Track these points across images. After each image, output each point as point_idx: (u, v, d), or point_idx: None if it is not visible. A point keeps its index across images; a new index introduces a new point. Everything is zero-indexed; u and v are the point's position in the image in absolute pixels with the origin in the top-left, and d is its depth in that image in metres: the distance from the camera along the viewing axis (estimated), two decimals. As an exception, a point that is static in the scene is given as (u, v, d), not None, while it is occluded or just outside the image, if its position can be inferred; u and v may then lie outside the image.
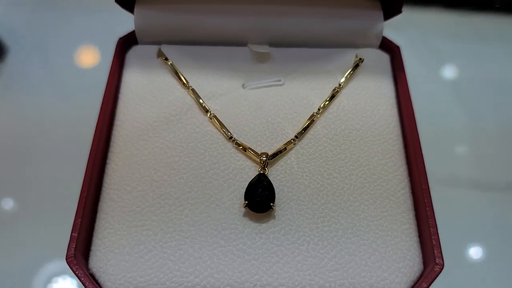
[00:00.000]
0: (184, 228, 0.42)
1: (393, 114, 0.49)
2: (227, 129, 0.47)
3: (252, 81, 0.51)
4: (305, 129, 0.47)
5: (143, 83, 0.50)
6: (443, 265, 0.40)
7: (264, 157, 0.45)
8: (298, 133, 0.46)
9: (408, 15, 1.03)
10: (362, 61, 0.51)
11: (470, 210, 0.77)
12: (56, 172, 0.73)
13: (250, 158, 0.46)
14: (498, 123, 0.87)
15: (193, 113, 0.48)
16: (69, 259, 0.39)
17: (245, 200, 0.43)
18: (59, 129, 0.80)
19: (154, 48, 0.52)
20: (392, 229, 0.43)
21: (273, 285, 0.40)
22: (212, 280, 0.40)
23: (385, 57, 0.53)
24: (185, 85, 0.49)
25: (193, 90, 0.49)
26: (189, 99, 0.49)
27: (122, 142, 0.47)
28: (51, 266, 0.66)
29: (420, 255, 0.42)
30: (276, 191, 0.44)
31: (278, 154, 0.45)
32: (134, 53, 0.52)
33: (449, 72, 0.96)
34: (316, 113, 0.48)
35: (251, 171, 0.45)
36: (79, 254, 0.41)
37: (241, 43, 0.52)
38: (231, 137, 0.46)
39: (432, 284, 0.40)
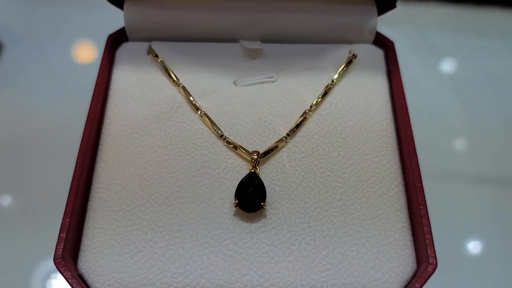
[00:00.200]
0: (174, 228, 0.42)
1: (387, 111, 0.48)
2: (218, 127, 0.46)
3: (244, 78, 0.50)
4: (297, 126, 0.46)
5: (133, 81, 0.49)
6: (436, 265, 0.39)
7: (255, 156, 0.44)
8: (290, 131, 0.46)
9: (406, 10, 1.03)
10: (356, 57, 0.50)
11: (469, 206, 0.77)
12: (47, 170, 0.73)
13: (241, 157, 0.45)
14: (496, 118, 0.87)
15: (184, 111, 0.47)
16: (57, 260, 0.39)
17: (236, 199, 0.42)
18: (53, 126, 0.80)
19: (144, 45, 0.51)
20: (385, 228, 0.42)
21: (264, 285, 0.40)
22: (202, 280, 0.40)
23: (379, 53, 0.52)
24: (176, 83, 0.49)
25: (183, 87, 0.48)
26: (179, 96, 0.48)
27: (112, 140, 0.46)
28: (43, 266, 0.65)
29: (414, 254, 0.42)
30: (268, 190, 0.43)
31: (269, 152, 0.45)
32: (124, 50, 0.51)
33: (447, 67, 0.95)
34: (309, 110, 0.47)
35: (242, 169, 0.44)
36: (68, 255, 0.40)
37: (233, 39, 0.52)
38: (222, 135, 0.46)
39: (428, 282, 0.39)
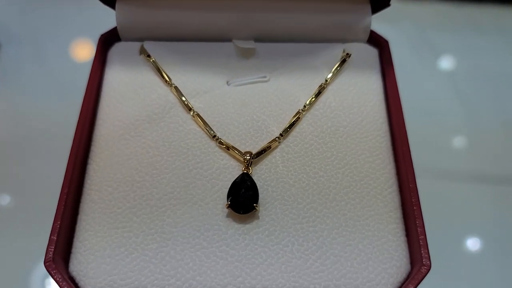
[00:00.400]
0: (166, 230, 0.42)
1: (381, 110, 0.48)
2: (211, 128, 0.46)
3: (237, 78, 0.49)
4: (291, 126, 0.46)
5: (126, 81, 0.49)
6: (430, 266, 0.39)
7: (248, 156, 0.44)
8: (283, 131, 0.45)
9: (404, 8, 1.02)
10: (350, 56, 0.50)
11: (467, 205, 0.77)
12: (42, 171, 0.73)
13: (234, 157, 0.45)
14: (495, 116, 0.86)
15: (176, 111, 0.47)
16: (47, 263, 0.39)
17: (228, 200, 0.42)
18: (49, 126, 0.80)
19: (137, 45, 0.51)
20: (379, 229, 0.42)
21: (256, 287, 0.39)
22: (194, 283, 0.39)
23: (373, 52, 0.51)
24: (168, 83, 0.48)
25: (176, 87, 0.48)
26: (172, 97, 0.48)
27: (103, 141, 0.46)
28: (35, 268, 0.65)
29: (408, 255, 0.41)
30: (260, 190, 0.43)
31: (262, 152, 0.44)
32: (116, 50, 0.51)
33: (445, 65, 0.95)
34: (302, 110, 0.47)
35: (235, 170, 0.44)
36: (58, 258, 0.40)
37: (226, 39, 0.51)
38: (214, 136, 0.45)
39: (425, 281, 0.39)
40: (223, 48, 0.51)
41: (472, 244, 0.74)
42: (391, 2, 0.49)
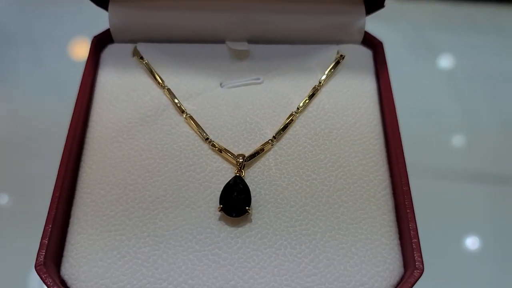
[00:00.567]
0: (158, 233, 0.41)
1: (374, 112, 0.47)
2: (203, 130, 0.45)
3: (230, 80, 0.49)
4: (284, 129, 0.46)
5: (118, 83, 0.49)
6: (423, 270, 0.38)
7: (241, 159, 0.43)
8: (276, 133, 0.45)
9: (401, 7, 1.02)
10: (343, 57, 0.50)
11: (466, 204, 0.77)
12: (36, 172, 0.72)
13: (227, 160, 0.44)
14: (493, 115, 0.86)
15: (169, 113, 0.47)
16: (38, 267, 0.38)
17: (220, 203, 0.42)
18: (46, 126, 0.79)
19: (130, 47, 0.51)
20: (372, 232, 0.42)
21: (248, 291, 0.39)
22: (187, 286, 0.39)
23: (367, 53, 0.51)
24: (161, 85, 0.48)
25: (168, 90, 0.48)
26: (164, 99, 0.48)
27: (96, 144, 0.46)
28: (27, 272, 0.65)
29: (401, 258, 0.41)
30: (253, 193, 0.43)
31: (255, 155, 0.44)
32: (109, 51, 0.51)
33: (443, 64, 0.95)
34: (295, 112, 0.46)
35: (227, 173, 0.44)
36: (50, 261, 0.40)
37: (219, 40, 0.51)
38: (207, 138, 0.45)
39: (416, 286, 0.39)
40: (216, 50, 0.51)
41: (471, 244, 0.73)
42: (389, 2, 0.48)
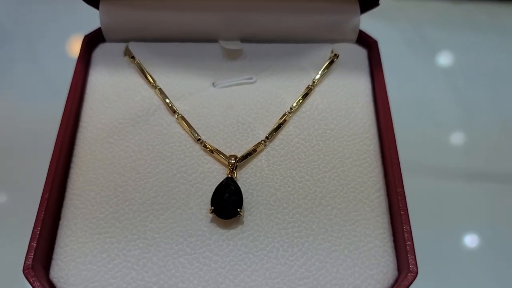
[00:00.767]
0: (149, 236, 0.41)
1: (369, 113, 0.47)
2: (195, 131, 0.45)
3: (223, 80, 0.49)
4: (277, 129, 0.45)
5: (110, 83, 0.48)
6: (417, 273, 0.38)
7: (233, 160, 0.43)
8: (269, 134, 0.44)
9: (400, 5, 1.01)
10: (337, 57, 0.49)
11: (464, 203, 0.76)
12: (25, 173, 0.72)
13: (219, 161, 0.44)
14: (491, 113, 0.86)
15: (160, 114, 0.46)
16: (26, 270, 0.38)
17: (212, 205, 0.41)
18: (42, 126, 0.79)
19: (122, 46, 0.50)
20: (366, 234, 0.41)
21: (240, 294, 0.39)
22: (177, 290, 0.39)
23: (362, 52, 0.50)
24: (153, 85, 0.47)
25: (160, 89, 0.47)
26: (156, 99, 0.47)
27: (86, 145, 0.45)
28: (13, 276, 0.64)
29: (395, 261, 0.40)
30: (245, 195, 0.42)
31: (247, 156, 0.44)
32: (100, 51, 0.50)
33: (442, 62, 0.94)
34: (289, 112, 0.46)
35: (219, 174, 0.43)
36: (38, 264, 0.39)
37: (211, 40, 0.50)
38: (199, 139, 0.44)
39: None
40: (208, 49, 0.50)
41: (467, 244, 0.73)
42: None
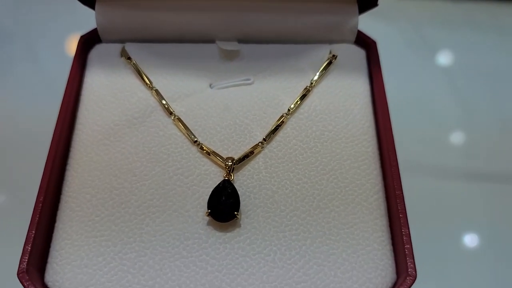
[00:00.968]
0: (145, 239, 0.40)
1: (367, 114, 0.46)
2: (192, 132, 0.44)
3: (220, 81, 0.48)
4: (274, 131, 0.44)
5: (106, 84, 0.48)
6: (415, 276, 0.37)
7: (230, 162, 0.42)
8: (266, 136, 0.44)
9: (400, 5, 1.01)
10: (336, 57, 0.48)
11: (464, 202, 0.76)
12: (22, 175, 0.71)
13: (216, 163, 0.43)
14: (491, 113, 0.85)
15: (157, 115, 0.46)
16: (21, 274, 0.37)
17: (208, 208, 0.41)
18: (40, 126, 0.78)
19: (118, 47, 0.50)
20: (364, 237, 0.41)
21: (236, 298, 0.38)
22: (173, 293, 0.38)
23: (360, 53, 0.50)
24: (149, 86, 0.47)
25: (156, 91, 0.47)
26: (152, 100, 0.46)
27: (82, 147, 0.45)
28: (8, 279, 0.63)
29: (393, 264, 0.40)
30: (243, 197, 0.42)
31: (245, 158, 0.43)
32: (96, 51, 0.50)
33: (442, 61, 0.94)
34: (286, 114, 0.45)
35: (216, 176, 0.43)
36: (33, 268, 0.39)
37: (208, 40, 0.50)
38: (196, 141, 0.44)
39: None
40: (206, 49, 0.49)
41: (467, 245, 0.72)
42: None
